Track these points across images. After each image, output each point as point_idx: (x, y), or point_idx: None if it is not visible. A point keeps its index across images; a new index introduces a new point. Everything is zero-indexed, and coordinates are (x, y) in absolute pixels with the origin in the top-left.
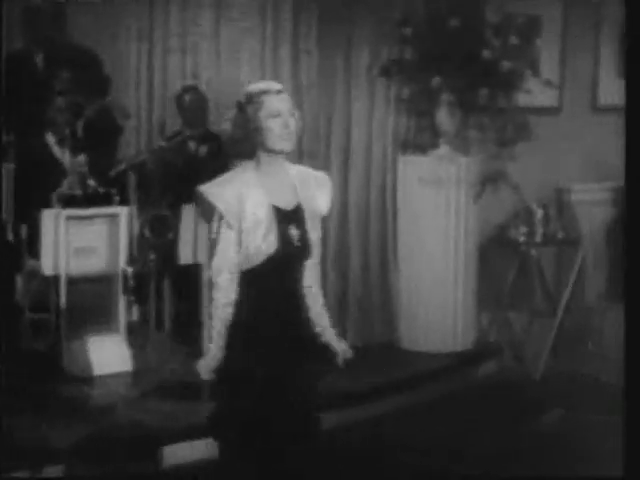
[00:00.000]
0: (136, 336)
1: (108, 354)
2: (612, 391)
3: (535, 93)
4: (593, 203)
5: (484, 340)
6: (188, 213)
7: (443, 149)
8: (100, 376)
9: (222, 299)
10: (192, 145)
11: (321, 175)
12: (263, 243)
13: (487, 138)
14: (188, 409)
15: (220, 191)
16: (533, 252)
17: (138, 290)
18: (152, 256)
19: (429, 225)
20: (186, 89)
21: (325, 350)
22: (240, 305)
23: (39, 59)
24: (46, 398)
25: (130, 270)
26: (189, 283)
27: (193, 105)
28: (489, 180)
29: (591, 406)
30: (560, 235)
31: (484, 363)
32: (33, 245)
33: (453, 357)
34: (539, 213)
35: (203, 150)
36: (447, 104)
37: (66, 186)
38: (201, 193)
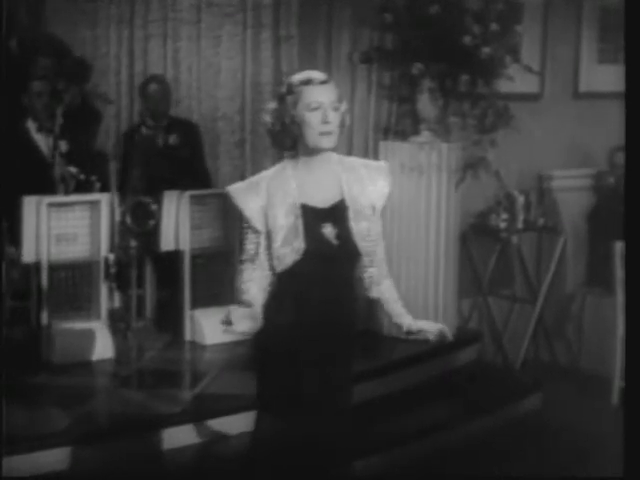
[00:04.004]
0: (117, 323)
1: (89, 341)
2: (592, 378)
3: (516, 79)
4: (574, 189)
5: (464, 327)
6: (170, 200)
7: (424, 135)
8: (81, 363)
9: (254, 288)
10: (160, 136)
11: (376, 164)
12: (287, 247)
13: (468, 124)
14: (169, 396)
15: (247, 195)
16: (514, 239)
17: (119, 277)
18: (133, 243)
19: (410, 211)
20: (151, 79)
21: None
22: (279, 306)
23: (13, 44)
24: (26, 386)
25: (111, 257)
26: (171, 270)
27: (157, 95)
28: (470, 166)
29: (570, 393)
30: (541, 222)
31: (464, 350)
32: (14, 232)
33: (433, 344)
34: (520, 200)
35: (174, 139)
36: (428, 90)
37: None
38: (229, 195)
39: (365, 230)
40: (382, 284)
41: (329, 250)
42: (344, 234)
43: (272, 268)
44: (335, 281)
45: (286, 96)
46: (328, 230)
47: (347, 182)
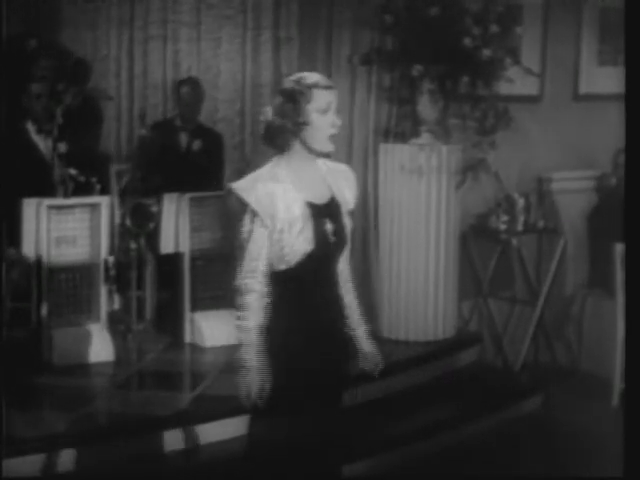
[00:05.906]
0: (117, 325)
1: (89, 343)
2: (592, 380)
3: (516, 81)
4: (574, 191)
5: (464, 329)
6: (170, 202)
7: (424, 137)
8: (81, 365)
9: (255, 302)
10: (184, 138)
11: (344, 168)
12: (299, 242)
13: (468, 126)
14: (168, 398)
15: (252, 189)
16: (514, 241)
17: (119, 279)
18: (133, 245)
19: (410, 213)
20: (186, 81)
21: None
22: (276, 306)
23: (32, 44)
24: (26, 387)
25: (111, 259)
26: (170, 272)
27: (187, 98)
28: (470, 168)
29: (571, 394)
30: (541, 224)
31: (464, 351)
32: (13, 234)
33: (433, 346)
34: (520, 202)
35: (197, 145)
36: (428, 92)
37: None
38: (232, 190)
39: (350, 227)
40: (347, 284)
41: (328, 246)
42: (338, 231)
43: (275, 265)
44: (332, 278)
45: (296, 95)
46: (328, 226)
47: (332, 181)
